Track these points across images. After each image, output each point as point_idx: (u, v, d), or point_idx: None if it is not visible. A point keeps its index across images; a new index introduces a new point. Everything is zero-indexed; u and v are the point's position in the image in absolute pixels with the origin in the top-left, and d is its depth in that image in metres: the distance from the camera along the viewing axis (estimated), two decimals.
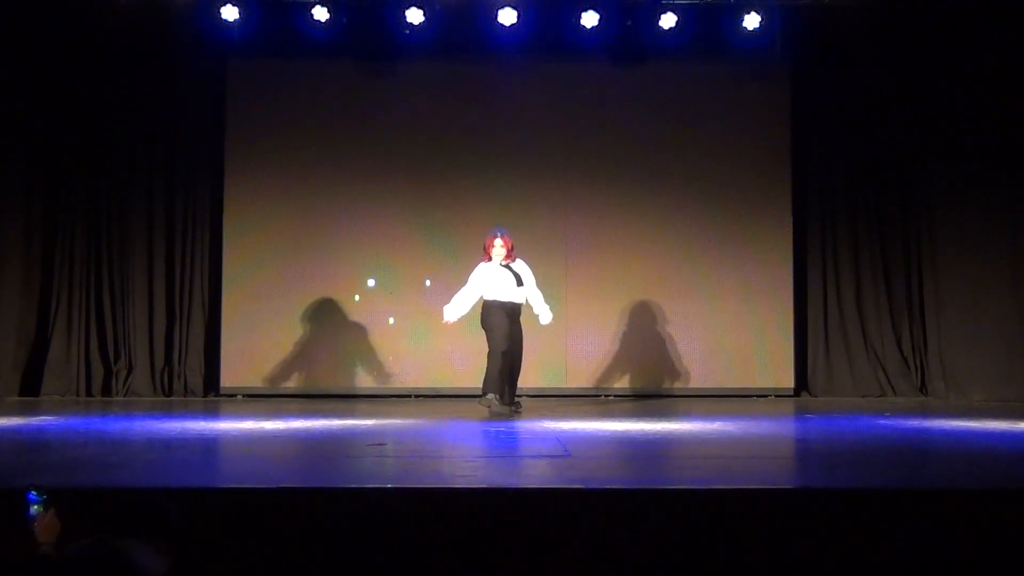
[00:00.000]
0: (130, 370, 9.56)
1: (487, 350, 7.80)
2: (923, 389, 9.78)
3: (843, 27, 9.36)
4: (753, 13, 9.15)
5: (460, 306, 7.98)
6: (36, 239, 9.48)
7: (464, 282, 8.23)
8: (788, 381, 9.79)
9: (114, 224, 9.64)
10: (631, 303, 9.80)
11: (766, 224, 9.86)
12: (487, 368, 7.76)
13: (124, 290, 9.63)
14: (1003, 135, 9.34)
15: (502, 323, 7.78)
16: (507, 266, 7.93)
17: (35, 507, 2.99)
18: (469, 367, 9.39)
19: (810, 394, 9.85)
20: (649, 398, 9.56)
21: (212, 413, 8.43)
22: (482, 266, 7.98)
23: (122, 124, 9.64)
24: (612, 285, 9.80)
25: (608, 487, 4.55)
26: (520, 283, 7.93)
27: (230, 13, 9.01)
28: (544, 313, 8.06)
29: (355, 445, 6.46)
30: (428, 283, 9.77)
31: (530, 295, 8.04)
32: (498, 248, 7.93)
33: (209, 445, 6.54)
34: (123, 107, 9.62)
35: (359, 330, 9.74)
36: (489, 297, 7.88)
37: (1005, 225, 9.40)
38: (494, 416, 7.59)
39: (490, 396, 7.64)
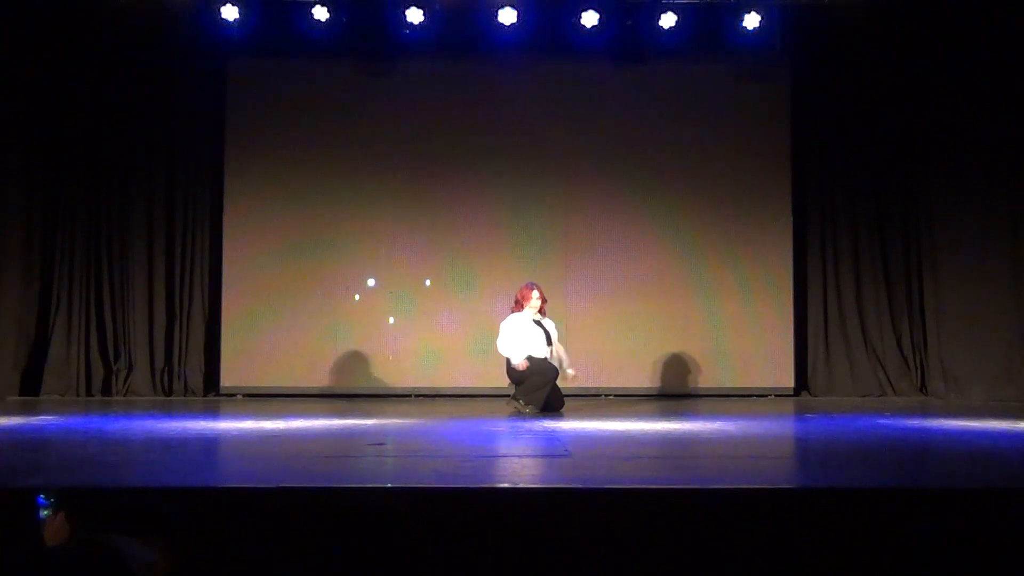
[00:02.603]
0: (130, 370, 9.57)
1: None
2: (923, 389, 9.78)
3: (843, 27, 9.36)
4: (753, 13, 9.15)
5: (518, 348, 7.91)
6: (36, 239, 9.48)
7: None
8: (788, 381, 9.79)
9: (114, 224, 9.64)
10: (631, 303, 9.79)
11: (766, 224, 9.86)
12: (532, 382, 7.84)
13: (124, 290, 9.64)
14: (1003, 135, 9.35)
15: (531, 366, 7.86)
16: (538, 322, 7.95)
17: (44, 511, 2.99)
18: (469, 367, 9.41)
19: (810, 394, 9.85)
20: (649, 398, 9.56)
21: (212, 413, 8.42)
22: (514, 318, 7.98)
23: (122, 124, 9.64)
24: (612, 285, 9.80)
25: (608, 487, 4.55)
26: (549, 342, 7.98)
27: (230, 13, 9.01)
28: (570, 369, 8.16)
29: (355, 445, 6.46)
30: (428, 283, 9.78)
31: (558, 351, 8.13)
32: (534, 300, 7.96)
33: (209, 445, 6.53)
34: (123, 107, 9.62)
35: (359, 330, 9.73)
36: (519, 357, 7.90)
37: (1005, 225, 9.41)
38: (515, 414, 7.75)
39: (531, 408, 7.80)
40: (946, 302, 9.58)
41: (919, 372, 9.84)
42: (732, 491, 4.44)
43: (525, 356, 7.84)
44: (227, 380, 9.65)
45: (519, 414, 7.77)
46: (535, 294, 7.99)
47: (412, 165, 9.81)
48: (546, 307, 8.11)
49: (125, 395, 9.47)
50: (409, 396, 9.54)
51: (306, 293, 9.71)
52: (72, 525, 2.99)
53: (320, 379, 9.68)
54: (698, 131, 9.91)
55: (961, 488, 4.61)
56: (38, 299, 9.47)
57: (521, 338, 7.89)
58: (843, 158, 9.93)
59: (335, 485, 4.65)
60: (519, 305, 8.00)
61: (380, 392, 9.61)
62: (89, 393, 9.44)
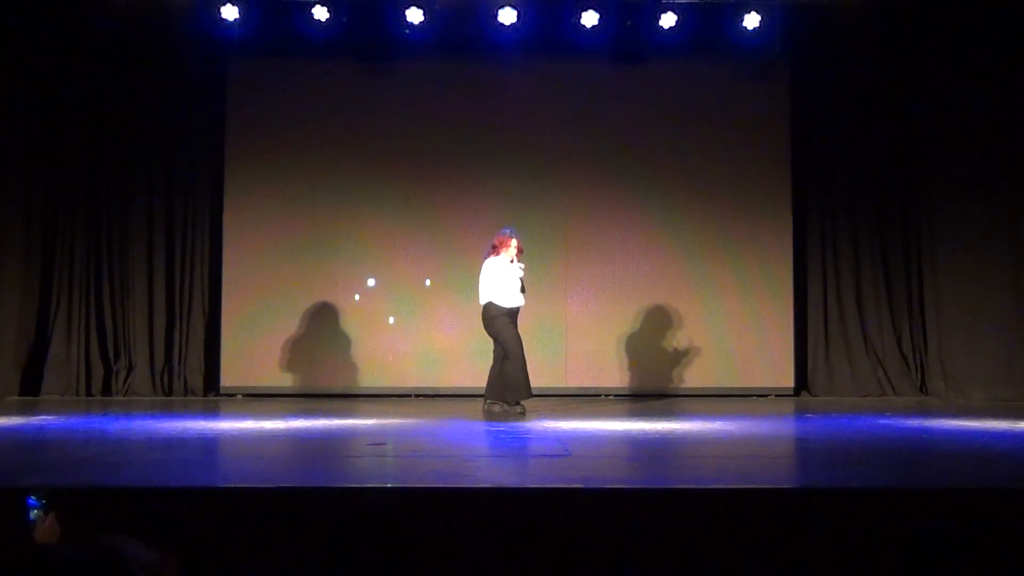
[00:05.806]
0: (130, 370, 9.56)
1: (501, 356, 7.85)
2: (923, 389, 9.77)
3: (843, 27, 9.36)
4: (753, 12, 9.14)
5: (510, 294, 7.80)
6: (36, 239, 9.47)
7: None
8: (788, 381, 9.78)
9: (114, 224, 9.63)
10: (631, 303, 9.79)
11: (766, 224, 9.85)
12: (508, 374, 7.76)
13: (124, 290, 9.63)
14: (1003, 134, 9.35)
15: (512, 330, 7.79)
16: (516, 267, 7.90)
17: (35, 511, 2.98)
18: (469, 367, 9.40)
19: (810, 394, 9.84)
20: (649, 398, 9.56)
21: (212, 413, 8.43)
22: (496, 261, 7.85)
23: (122, 124, 9.62)
24: (612, 285, 9.80)
25: (608, 487, 4.55)
26: (523, 289, 7.91)
27: (230, 13, 9.01)
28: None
29: (355, 445, 6.46)
30: (428, 283, 9.78)
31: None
32: (511, 249, 7.87)
33: (209, 445, 6.54)
34: (123, 107, 9.61)
35: (359, 330, 9.73)
36: (497, 301, 7.80)
37: (1005, 225, 9.41)
38: (497, 418, 7.63)
39: (519, 407, 7.77)
40: (946, 302, 9.58)
41: (919, 372, 9.83)
42: (732, 491, 4.45)
43: (505, 313, 7.74)
44: (227, 380, 9.65)
45: (504, 417, 7.66)
46: (513, 242, 7.87)
47: (412, 165, 9.80)
48: (522, 255, 7.96)
49: (125, 395, 9.46)
50: (409, 396, 9.54)
51: (306, 293, 9.70)
52: (63, 525, 2.98)
53: (320, 379, 9.68)
54: (698, 131, 9.91)
55: (961, 488, 4.61)
56: (38, 299, 9.46)
57: (504, 285, 7.76)
58: (843, 158, 9.92)
59: (335, 485, 4.66)
60: (495, 250, 7.88)
61: (380, 392, 9.60)
62: (89, 393, 9.43)
